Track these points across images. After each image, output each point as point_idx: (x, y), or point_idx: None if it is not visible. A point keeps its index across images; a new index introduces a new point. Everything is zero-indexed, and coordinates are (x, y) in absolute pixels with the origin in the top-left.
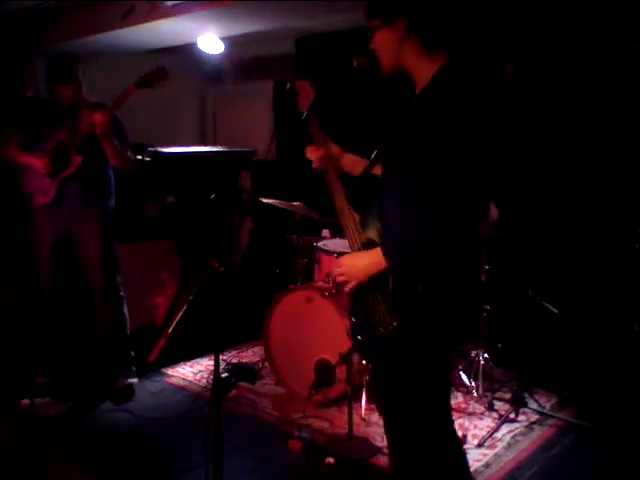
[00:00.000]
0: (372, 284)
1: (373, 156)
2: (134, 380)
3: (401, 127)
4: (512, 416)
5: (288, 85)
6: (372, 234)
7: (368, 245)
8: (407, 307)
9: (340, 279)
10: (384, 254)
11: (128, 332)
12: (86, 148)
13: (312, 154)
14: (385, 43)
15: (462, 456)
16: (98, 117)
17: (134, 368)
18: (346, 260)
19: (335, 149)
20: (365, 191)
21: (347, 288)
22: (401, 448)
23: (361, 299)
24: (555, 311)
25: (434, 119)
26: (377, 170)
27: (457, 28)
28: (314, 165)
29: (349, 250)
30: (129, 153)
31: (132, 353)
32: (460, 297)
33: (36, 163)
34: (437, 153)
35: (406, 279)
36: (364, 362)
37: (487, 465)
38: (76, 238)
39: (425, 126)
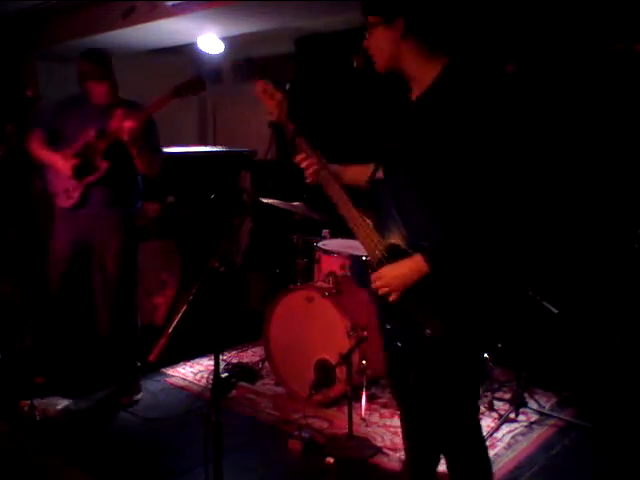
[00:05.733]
0: (412, 289)
1: (379, 162)
2: (138, 397)
3: (408, 130)
4: (512, 416)
5: (287, 85)
6: (395, 239)
7: (392, 250)
8: (454, 306)
9: (383, 291)
10: (430, 255)
11: (137, 339)
12: (116, 151)
13: (303, 162)
14: (382, 41)
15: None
16: (128, 124)
17: (139, 383)
18: (386, 272)
19: (334, 167)
20: (367, 195)
21: (392, 298)
22: (450, 447)
23: (399, 305)
24: (555, 311)
25: (449, 118)
26: (380, 173)
27: (456, 29)
28: (307, 177)
29: (365, 254)
30: (158, 158)
31: (139, 364)
32: (499, 290)
33: (60, 164)
34: (458, 150)
35: (449, 278)
36: (364, 362)
37: None
38: (96, 242)
39: (441, 126)
